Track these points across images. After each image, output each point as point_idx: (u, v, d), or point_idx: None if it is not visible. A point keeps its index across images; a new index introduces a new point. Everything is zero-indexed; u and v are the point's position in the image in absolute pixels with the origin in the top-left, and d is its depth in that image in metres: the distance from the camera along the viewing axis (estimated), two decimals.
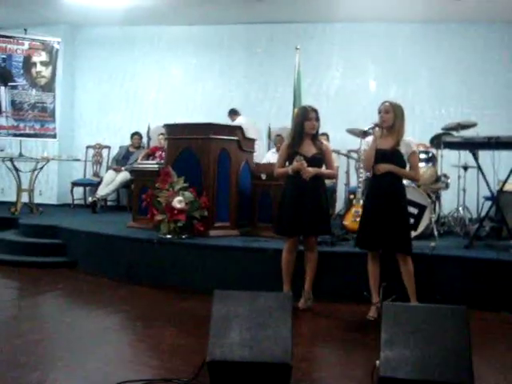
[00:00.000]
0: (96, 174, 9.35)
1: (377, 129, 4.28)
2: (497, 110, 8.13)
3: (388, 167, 4.18)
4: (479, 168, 5.50)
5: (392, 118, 4.19)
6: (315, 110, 4.47)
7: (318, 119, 4.47)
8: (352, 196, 5.63)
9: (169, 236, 5.41)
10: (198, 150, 5.70)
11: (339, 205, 7.72)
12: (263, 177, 5.69)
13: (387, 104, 4.23)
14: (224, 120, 7.93)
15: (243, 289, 4.77)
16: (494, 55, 8.29)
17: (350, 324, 4.22)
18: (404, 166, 4.27)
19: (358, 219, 5.42)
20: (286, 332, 2.86)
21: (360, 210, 5.51)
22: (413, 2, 7.68)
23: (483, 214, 6.41)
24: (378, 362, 2.73)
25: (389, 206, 4.18)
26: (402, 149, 4.20)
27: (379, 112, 4.26)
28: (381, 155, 4.19)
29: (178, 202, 5.34)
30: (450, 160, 6.71)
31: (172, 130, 6.01)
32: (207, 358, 2.78)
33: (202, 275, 5.15)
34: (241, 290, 4.73)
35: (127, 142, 9.03)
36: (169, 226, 5.39)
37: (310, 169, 4.36)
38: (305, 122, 4.43)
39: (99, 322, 4.15)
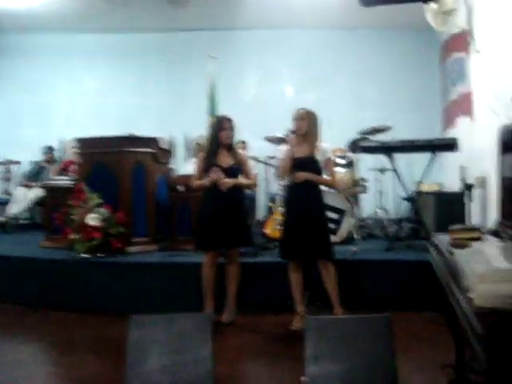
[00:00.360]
0: (6, 192, 8.81)
1: (291, 136, 4.23)
2: (411, 114, 8.36)
3: (306, 175, 4.14)
4: (395, 171, 5.59)
5: (306, 124, 4.17)
6: (229, 120, 4.37)
7: (232, 128, 4.38)
8: (272, 203, 5.56)
9: (84, 255, 5.13)
10: (111, 164, 5.47)
11: (259, 212, 7.66)
12: (180, 189, 5.53)
13: (301, 111, 4.21)
14: (140, 131, 7.67)
15: (165, 306, 4.75)
16: (407, 61, 8.54)
17: (275, 336, 4.14)
18: (320, 173, 4.25)
19: (279, 227, 5.41)
20: (207, 354, 2.72)
21: (280, 218, 5.47)
22: (327, 8, 7.76)
23: (401, 214, 6.55)
24: (303, 378, 2.64)
25: (308, 214, 4.14)
26: (318, 156, 4.18)
27: (293, 120, 4.22)
28: (298, 163, 4.15)
29: (92, 220, 5.09)
30: (367, 164, 6.81)
31: (84, 143, 5.74)
32: None
33: (120, 295, 4.91)
34: (163, 307, 4.74)
35: (39, 156, 8.57)
36: (84, 245, 5.12)
37: (228, 180, 4.25)
38: (219, 133, 4.33)
39: (8, 355, 3.84)
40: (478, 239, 2.58)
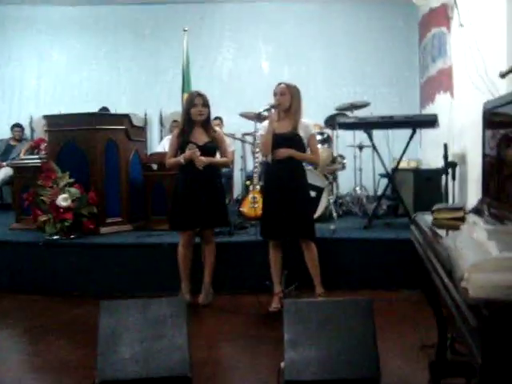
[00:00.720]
0: None
1: (273, 111, 4.08)
2: (389, 89, 8.28)
3: (288, 152, 4.01)
4: (374, 147, 5.51)
5: (288, 99, 4.02)
6: (201, 95, 4.20)
7: (205, 105, 4.20)
8: (249, 182, 5.43)
9: (56, 237, 4.98)
10: (82, 143, 5.27)
11: (236, 190, 7.55)
12: (154, 167, 5.37)
13: (283, 85, 4.05)
14: (114, 107, 7.47)
15: (140, 288, 4.64)
16: (385, 36, 8.39)
17: (253, 318, 4.05)
18: (304, 150, 4.12)
19: (256, 205, 5.31)
20: (183, 341, 2.62)
21: (257, 196, 5.37)
22: None
23: (380, 191, 6.49)
24: (282, 364, 2.55)
25: (291, 193, 4.03)
26: (301, 132, 4.05)
27: (275, 94, 4.07)
28: (280, 139, 4.01)
29: (63, 200, 4.92)
30: (345, 140, 6.72)
31: (53, 121, 5.50)
32: (97, 379, 2.47)
33: (94, 277, 4.77)
34: (138, 289, 4.63)
35: (7, 134, 8.28)
36: (55, 227, 4.95)
37: (203, 158, 4.11)
38: (191, 109, 4.17)
39: None
40: (461, 219, 2.51)
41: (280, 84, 4.09)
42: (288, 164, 4.04)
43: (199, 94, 4.21)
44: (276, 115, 4.09)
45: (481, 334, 1.13)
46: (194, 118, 4.19)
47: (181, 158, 4.16)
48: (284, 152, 4.01)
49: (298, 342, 2.57)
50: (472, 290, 1.16)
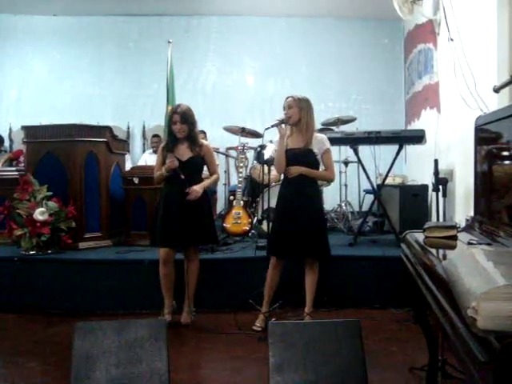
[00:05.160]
0: None
1: (283, 126, 3.91)
2: (374, 105, 8.25)
3: (300, 169, 3.87)
4: (360, 162, 5.43)
5: (297, 113, 3.87)
6: (178, 113, 4.01)
7: (184, 121, 4.01)
8: (232, 197, 5.31)
9: (32, 252, 4.80)
10: (61, 155, 5.12)
11: (219, 205, 7.42)
12: (135, 181, 5.23)
13: (290, 99, 3.92)
14: (96, 120, 7.31)
15: (120, 307, 4.47)
16: (369, 51, 8.39)
17: (236, 337, 3.90)
18: (318, 166, 3.98)
19: (239, 221, 5.19)
20: (162, 365, 2.47)
21: (241, 212, 5.25)
22: None
23: (365, 207, 6.42)
24: None
25: (304, 211, 3.88)
26: (315, 146, 3.91)
27: (284, 108, 3.93)
28: (292, 156, 3.87)
29: (40, 214, 4.75)
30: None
31: (31, 132, 5.32)
32: None
33: (72, 295, 4.60)
34: (117, 308, 4.46)
35: None
36: (31, 241, 4.78)
37: (196, 187, 3.99)
38: (171, 126, 4.05)
39: None
40: (453, 238, 2.42)
41: (288, 98, 3.94)
42: (301, 181, 3.89)
43: (175, 112, 4.03)
44: (287, 130, 3.92)
45: (492, 370, 1.02)
46: (176, 135, 4.06)
47: (163, 170, 4.03)
48: (295, 170, 3.87)
49: (283, 366, 2.44)
50: (481, 320, 1.05)
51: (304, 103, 3.91)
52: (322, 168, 4.06)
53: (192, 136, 4.10)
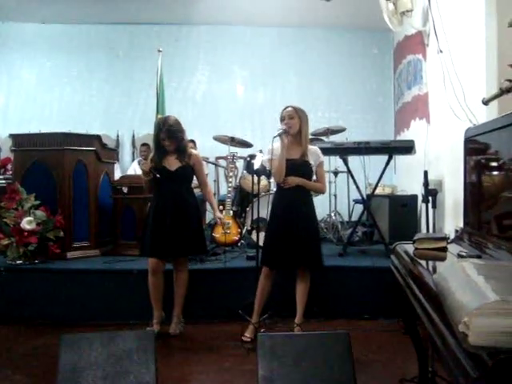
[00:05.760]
0: None
1: (284, 136, 3.86)
2: (363, 115, 8.29)
3: (297, 180, 3.86)
4: (350, 173, 5.43)
5: (298, 123, 3.86)
6: (165, 131, 3.98)
7: (171, 137, 3.99)
8: (221, 207, 5.28)
9: (19, 262, 4.75)
10: (50, 163, 5.09)
11: (209, 215, 7.38)
12: (125, 190, 5.20)
13: (290, 109, 3.90)
14: (85, 128, 7.28)
15: (108, 317, 4.43)
16: (359, 62, 8.45)
17: (225, 349, 3.87)
18: (311, 177, 3.98)
19: (229, 231, 5.16)
20: (150, 378, 2.44)
21: (230, 222, 5.23)
22: (279, 6, 7.59)
23: (354, 217, 6.41)
24: None
25: (299, 221, 3.87)
26: (311, 158, 3.91)
27: (282, 119, 3.90)
28: (290, 166, 3.85)
29: (27, 223, 4.71)
30: None
31: (19, 140, 5.27)
32: None
33: (59, 305, 4.55)
34: (106, 318, 4.42)
35: None
36: (18, 251, 4.73)
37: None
38: (160, 141, 4.04)
39: None
40: (443, 249, 2.42)
41: (287, 107, 3.92)
42: (297, 192, 3.88)
43: (161, 129, 4.00)
44: (286, 140, 3.88)
45: None
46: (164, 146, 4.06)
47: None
48: (292, 180, 3.86)
49: (272, 378, 2.42)
50: (473, 336, 1.04)
51: (303, 114, 3.92)
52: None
53: (180, 148, 4.08)
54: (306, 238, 3.88)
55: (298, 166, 3.88)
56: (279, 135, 3.86)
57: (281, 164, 3.87)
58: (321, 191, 4.29)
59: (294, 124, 3.86)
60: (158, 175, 3.97)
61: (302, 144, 3.90)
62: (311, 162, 3.92)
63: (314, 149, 3.99)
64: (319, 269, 4.02)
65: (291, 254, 3.85)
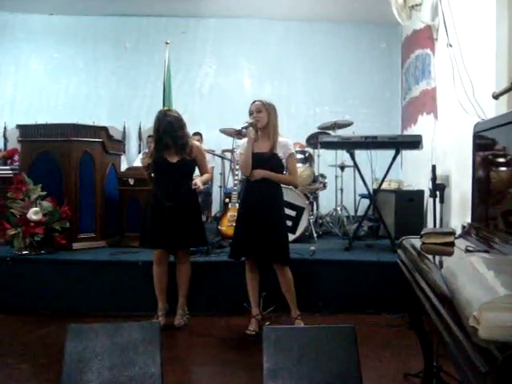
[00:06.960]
0: None
1: (251, 129, 3.91)
2: (370, 110, 8.26)
3: (263, 173, 3.86)
4: (356, 167, 5.41)
5: (265, 116, 3.86)
6: (166, 136, 4.01)
7: (169, 134, 4.00)
8: (228, 199, 5.28)
9: (25, 252, 4.76)
10: (57, 154, 5.09)
11: (215, 208, 7.39)
12: (131, 182, 5.20)
13: (258, 103, 3.90)
14: (92, 120, 7.28)
15: (114, 308, 4.44)
16: (367, 56, 8.41)
17: (229, 341, 3.88)
18: (282, 170, 3.97)
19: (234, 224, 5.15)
20: (156, 369, 2.44)
21: (236, 214, 5.22)
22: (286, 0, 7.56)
23: (360, 211, 6.40)
24: None
25: (264, 214, 3.85)
26: (280, 151, 3.89)
27: (250, 113, 3.91)
28: (257, 158, 3.86)
29: (34, 214, 4.72)
30: (326, 159, 6.63)
31: (26, 131, 5.29)
32: None
33: (65, 295, 4.57)
34: (111, 309, 4.43)
35: None
36: (24, 241, 4.74)
37: (197, 181, 3.99)
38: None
39: None
40: (451, 244, 2.41)
41: (255, 101, 3.93)
42: (263, 184, 3.88)
43: (161, 125, 4.03)
44: (254, 134, 3.91)
45: (493, 381, 1.00)
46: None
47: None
48: (258, 173, 3.86)
49: (278, 371, 2.42)
50: (483, 330, 1.03)
51: (271, 107, 3.91)
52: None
53: (180, 144, 4.06)
54: (271, 232, 3.85)
55: (267, 159, 3.87)
56: (245, 128, 3.89)
57: (247, 157, 3.87)
58: (292, 184, 4.28)
59: (262, 117, 3.87)
60: (152, 174, 4.02)
61: (271, 137, 3.89)
62: (280, 154, 3.90)
63: (284, 141, 3.96)
64: (285, 263, 3.95)
65: (258, 248, 3.84)
